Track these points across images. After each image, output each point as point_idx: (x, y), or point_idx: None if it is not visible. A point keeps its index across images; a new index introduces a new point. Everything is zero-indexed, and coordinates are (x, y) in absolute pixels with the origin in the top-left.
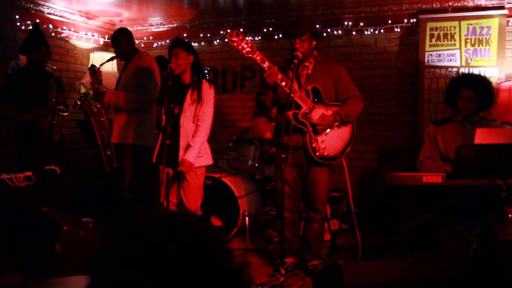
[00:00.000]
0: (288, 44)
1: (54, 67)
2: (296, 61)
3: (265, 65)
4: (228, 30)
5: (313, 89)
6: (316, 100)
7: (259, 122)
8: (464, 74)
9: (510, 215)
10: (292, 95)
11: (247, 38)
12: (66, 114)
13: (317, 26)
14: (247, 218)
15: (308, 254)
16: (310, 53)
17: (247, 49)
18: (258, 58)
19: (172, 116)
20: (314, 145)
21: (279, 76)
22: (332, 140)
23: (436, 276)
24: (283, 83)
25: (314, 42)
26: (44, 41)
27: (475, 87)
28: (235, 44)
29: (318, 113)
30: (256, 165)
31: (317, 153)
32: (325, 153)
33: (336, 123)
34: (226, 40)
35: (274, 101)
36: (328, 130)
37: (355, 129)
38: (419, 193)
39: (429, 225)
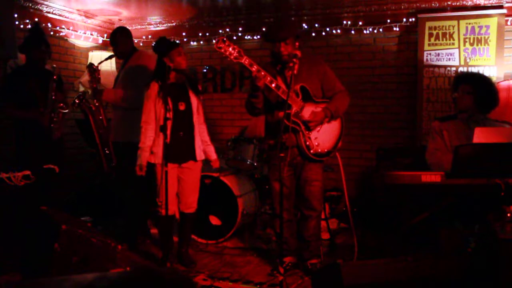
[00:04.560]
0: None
1: (54, 65)
2: (295, 60)
3: (253, 69)
4: (227, 30)
5: (302, 88)
6: (305, 98)
7: (258, 120)
8: (463, 72)
9: (508, 214)
10: (283, 96)
11: (233, 44)
12: (66, 111)
13: (316, 25)
14: (246, 217)
15: (307, 253)
16: (293, 54)
17: (234, 55)
18: (246, 62)
19: (178, 113)
20: (308, 143)
21: (268, 78)
22: (324, 137)
23: (435, 275)
24: (273, 85)
25: (297, 44)
26: (44, 40)
27: (471, 82)
28: (222, 50)
29: (308, 111)
30: (255, 164)
31: (311, 151)
32: (319, 150)
33: (327, 119)
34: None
35: (264, 102)
36: (319, 128)
37: (344, 124)
38: (418, 192)
39: (427, 224)
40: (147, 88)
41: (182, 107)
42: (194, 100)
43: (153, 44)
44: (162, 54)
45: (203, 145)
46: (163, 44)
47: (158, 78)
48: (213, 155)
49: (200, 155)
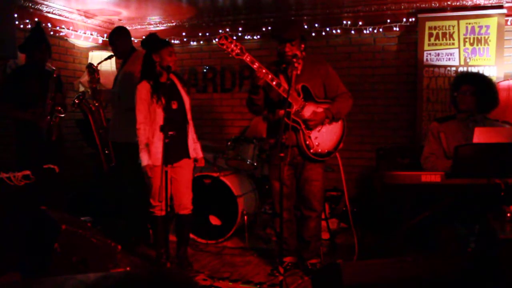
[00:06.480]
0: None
1: (53, 68)
2: (295, 60)
3: (255, 66)
4: (227, 29)
5: (303, 88)
6: (306, 98)
7: (259, 121)
8: (465, 71)
9: (508, 214)
10: (284, 94)
11: (236, 41)
12: (63, 115)
13: (316, 25)
14: (245, 217)
15: (307, 252)
16: (294, 54)
17: (236, 51)
18: (247, 59)
19: (171, 112)
20: (308, 142)
21: (269, 76)
22: (325, 137)
23: (435, 276)
24: (274, 83)
25: (302, 46)
26: (45, 39)
27: (474, 83)
28: (225, 47)
29: (309, 110)
30: (255, 164)
31: (311, 150)
32: (319, 150)
33: (327, 120)
34: None
35: (266, 100)
36: (319, 128)
37: (346, 126)
38: (418, 192)
39: (427, 224)
40: (138, 88)
41: (174, 105)
42: (186, 98)
43: (142, 39)
44: (152, 50)
45: (194, 142)
46: (154, 40)
47: (147, 77)
48: (200, 153)
49: (192, 152)
